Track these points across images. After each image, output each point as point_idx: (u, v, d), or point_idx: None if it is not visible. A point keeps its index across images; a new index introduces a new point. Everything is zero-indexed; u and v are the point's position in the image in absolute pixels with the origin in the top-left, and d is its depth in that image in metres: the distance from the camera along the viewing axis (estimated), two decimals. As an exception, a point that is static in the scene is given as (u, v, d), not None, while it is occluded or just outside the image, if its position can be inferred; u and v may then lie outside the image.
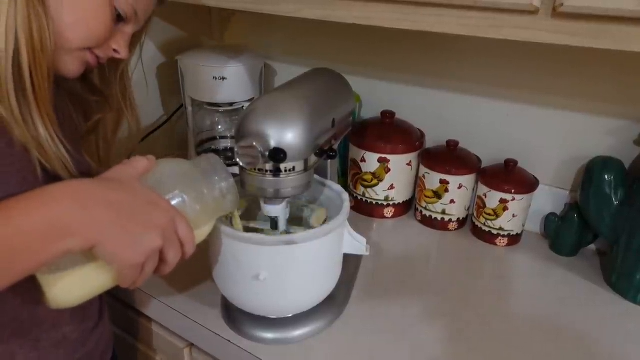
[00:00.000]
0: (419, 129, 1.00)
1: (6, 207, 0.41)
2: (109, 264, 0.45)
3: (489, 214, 0.91)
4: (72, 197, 0.43)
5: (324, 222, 0.71)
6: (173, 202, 0.50)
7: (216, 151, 1.14)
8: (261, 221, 0.72)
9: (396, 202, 1.00)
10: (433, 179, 0.94)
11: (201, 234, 0.56)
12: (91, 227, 0.42)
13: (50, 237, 0.41)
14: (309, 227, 0.71)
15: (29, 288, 0.56)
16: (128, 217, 0.44)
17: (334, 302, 0.73)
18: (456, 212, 0.95)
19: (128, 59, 0.68)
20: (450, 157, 0.94)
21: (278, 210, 0.66)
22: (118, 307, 0.86)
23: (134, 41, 0.67)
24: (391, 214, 1.01)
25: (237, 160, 0.60)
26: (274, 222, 0.67)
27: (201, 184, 0.54)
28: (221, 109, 1.08)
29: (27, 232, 0.40)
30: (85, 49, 0.56)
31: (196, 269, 0.79)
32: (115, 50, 0.60)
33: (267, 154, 0.58)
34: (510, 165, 0.90)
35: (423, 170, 0.95)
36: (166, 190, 0.51)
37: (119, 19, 0.57)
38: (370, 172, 0.97)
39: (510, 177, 0.90)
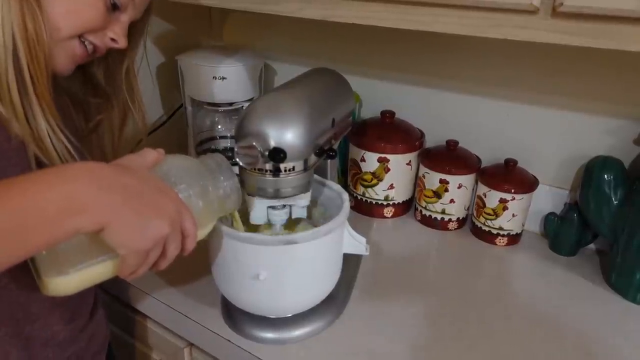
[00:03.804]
0: (418, 129, 1.00)
1: (22, 181, 0.41)
2: (116, 247, 0.44)
3: (489, 214, 0.91)
4: (88, 177, 0.43)
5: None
6: (180, 196, 0.50)
7: (216, 151, 1.14)
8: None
9: (396, 202, 1.00)
10: (433, 179, 0.94)
11: (201, 233, 0.56)
12: (104, 207, 0.42)
13: (64, 213, 0.40)
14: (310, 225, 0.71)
15: (26, 285, 0.56)
16: (139, 202, 0.44)
17: (333, 302, 0.73)
18: (456, 211, 0.95)
19: (132, 56, 0.68)
20: (450, 157, 0.94)
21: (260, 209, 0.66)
22: (117, 307, 0.86)
23: (137, 35, 0.67)
24: (391, 214, 1.01)
25: (237, 160, 0.60)
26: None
27: (207, 181, 0.54)
28: (221, 109, 1.08)
29: (42, 206, 0.40)
30: (75, 36, 0.56)
31: (196, 269, 0.79)
32: (113, 40, 0.59)
33: (266, 153, 0.58)
34: (510, 165, 0.90)
35: (423, 170, 0.95)
36: (173, 183, 0.51)
37: (114, 7, 0.57)
38: (370, 172, 0.97)
39: (510, 176, 0.90)
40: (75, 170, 0.43)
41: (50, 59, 0.54)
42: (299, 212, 0.68)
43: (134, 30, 0.65)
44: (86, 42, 0.58)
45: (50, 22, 0.53)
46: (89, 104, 0.69)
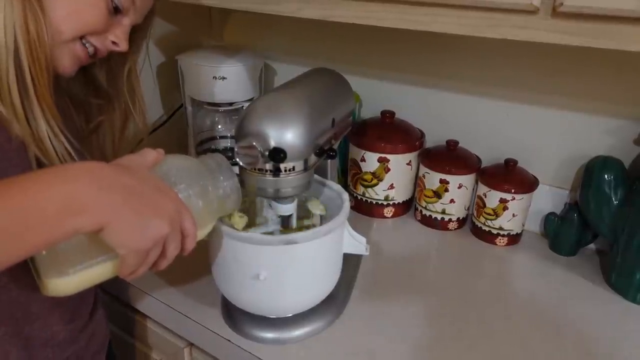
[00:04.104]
0: (418, 129, 1.00)
1: (22, 180, 0.41)
2: (115, 247, 0.44)
3: (489, 214, 0.91)
4: (88, 176, 0.43)
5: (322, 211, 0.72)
6: (179, 195, 0.50)
7: (216, 151, 1.14)
8: (260, 220, 0.72)
9: (396, 202, 1.00)
10: (433, 179, 0.94)
11: (201, 233, 0.56)
12: (104, 207, 0.42)
13: (64, 212, 0.40)
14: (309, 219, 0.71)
15: (26, 285, 0.56)
16: (139, 201, 0.44)
17: (333, 302, 0.73)
18: (456, 211, 0.95)
19: (135, 58, 0.68)
20: (450, 157, 0.94)
21: (291, 209, 0.66)
22: (117, 307, 0.86)
23: (139, 38, 0.67)
24: (391, 214, 1.01)
25: (237, 160, 0.60)
26: (286, 220, 0.68)
27: (207, 181, 0.54)
28: (221, 109, 1.08)
29: (43, 205, 0.40)
30: (76, 38, 0.56)
31: (196, 269, 0.79)
32: (114, 43, 0.60)
33: (266, 153, 0.58)
34: (510, 165, 0.90)
35: (423, 169, 0.95)
36: (173, 183, 0.51)
37: (116, 10, 0.57)
38: (370, 172, 0.97)
39: (510, 176, 0.90)
40: (75, 170, 0.43)
41: (52, 60, 0.54)
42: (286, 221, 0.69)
43: (137, 34, 0.65)
44: (87, 44, 0.58)
45: (52, 24, 0.53)
46: (90, 104, 0.69)
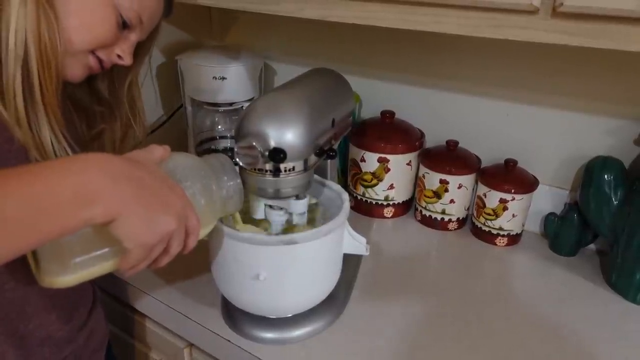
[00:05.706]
0: (418, 129, 1.00)
1: (37, 168, 0.41)
2: (122, 240, 0.44)
3: (489, 214, 0.91)
4: (102, 167, 0.42)
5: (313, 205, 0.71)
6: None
7: (216, 151, 1.14)
8: (259, 217, 0.72)
9: (396, 202, 1.00)
10: (433, 179, 0.94)
11: (202, 232, 0.56)
12: (117, 198, 0.42)
13: (77, 202, 0.40)
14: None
15: (22, 284, 0.56)
16: (149, 195, 0.44)
17: (333, 302, 0.73)
18: (456, 212, 0.95)
19: (137, 71, 0.69)
20: (450, 157, 0.94)
21: (303, 206, 0.66)
22: (116, 306, 0.86)
23: (142, 53, 0.68)
24: (391, 214, 1.01)
25: (237, 160, 0.60)
26: (297, 218, 0.68)
27: (211, 181, 0.54)
28: (221, 109, 1.08)
29: (57, 193, 0.40)
30: (88, 51, 0.58)
31: (196, 269, 0.79)
32: (119, 57, 0.61)
33: (266, 153, 0.58)
34: (510, 165, 0.90)
35: (423, 170, 0.96)
36: (178, 180, 0.51)
37: (124, 25, 0.58)
38: (370, 172, 0.97)
39: (509, 176, 0.90)
40: (90, 161, 0.43)
41: (62, 67, 0.55)
42: (298, 219, 0.69)
43: (140, 50, 0.66)
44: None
45: (64, 31, 0.53)
46: (93, 111, 0.69)
